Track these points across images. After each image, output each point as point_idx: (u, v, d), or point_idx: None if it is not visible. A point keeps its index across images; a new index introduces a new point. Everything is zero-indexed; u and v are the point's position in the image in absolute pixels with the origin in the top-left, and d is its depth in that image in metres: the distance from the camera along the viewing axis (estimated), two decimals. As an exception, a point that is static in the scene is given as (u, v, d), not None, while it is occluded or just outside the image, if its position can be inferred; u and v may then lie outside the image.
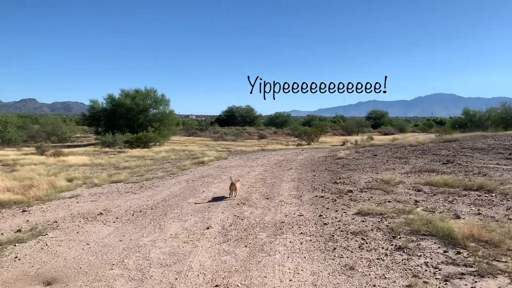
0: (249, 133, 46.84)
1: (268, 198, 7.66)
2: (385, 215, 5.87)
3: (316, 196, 7.67)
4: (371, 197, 7.23)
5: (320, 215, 6.14)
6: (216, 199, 7.79)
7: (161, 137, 35.24)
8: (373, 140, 24.18)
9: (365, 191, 7.77)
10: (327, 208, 6.59)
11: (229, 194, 7.96)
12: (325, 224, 5.65)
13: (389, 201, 6.78)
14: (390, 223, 5.49)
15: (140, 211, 6.91)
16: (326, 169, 11.41)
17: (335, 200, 7.18)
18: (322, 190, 8.25)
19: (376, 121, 71.72)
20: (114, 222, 6.24)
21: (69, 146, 30.92)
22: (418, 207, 6.28)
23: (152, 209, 7.09)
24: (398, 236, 4.90)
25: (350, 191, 7.85)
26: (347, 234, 5.14)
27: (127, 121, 37.59)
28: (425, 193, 7.31)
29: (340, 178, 9.44)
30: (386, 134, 51.90)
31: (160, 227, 5.82)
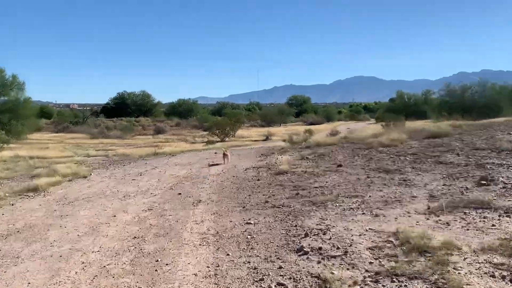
0: (144, 126, 40.64)
1: None
2: None
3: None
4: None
5: None
6: None
7: (15, 135, 27.90)
8: (313, 134, 20.55)
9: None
10: None
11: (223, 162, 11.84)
12: None
13: None
14: None
15: None
16: (266, 201, 6.79)
17: None
18: None
19: (298, 108, 70.29)
20: None
21: None
22: None
23: None
24: None
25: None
26: None
27: (-40, 114, 29.34)
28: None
29: (306, 234, 4.91)
30: (311, 123, 49.82)
31: None
